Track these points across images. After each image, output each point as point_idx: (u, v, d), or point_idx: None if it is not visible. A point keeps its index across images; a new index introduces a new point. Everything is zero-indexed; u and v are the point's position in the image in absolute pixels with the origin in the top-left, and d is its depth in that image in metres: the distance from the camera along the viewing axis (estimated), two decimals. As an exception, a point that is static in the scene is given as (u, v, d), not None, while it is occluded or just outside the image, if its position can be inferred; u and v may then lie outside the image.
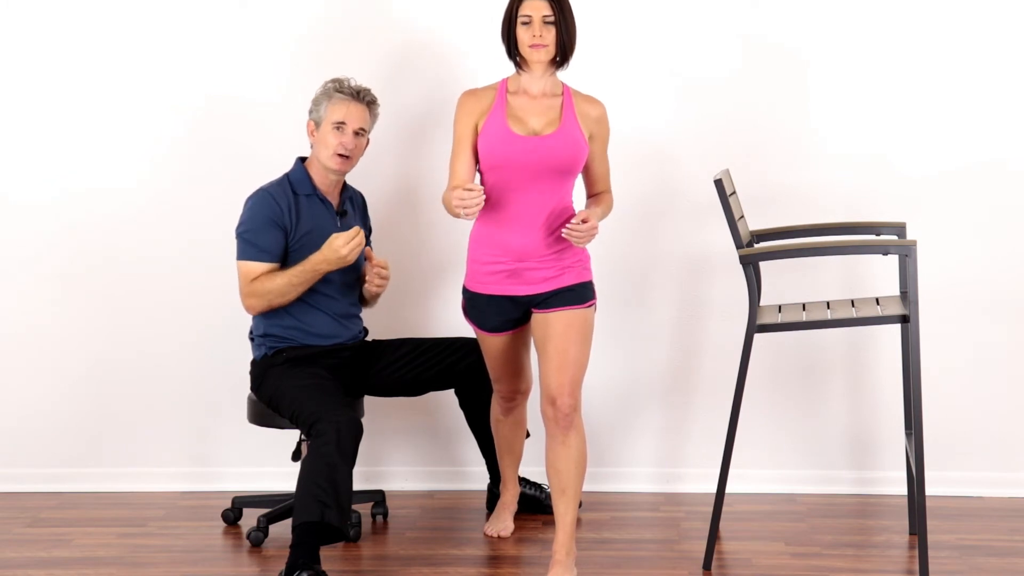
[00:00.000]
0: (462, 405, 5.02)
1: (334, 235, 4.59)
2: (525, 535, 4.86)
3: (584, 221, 4.32)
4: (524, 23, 4.37)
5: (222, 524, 5.00)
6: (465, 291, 4.54)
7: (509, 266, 4.43)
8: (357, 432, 4.45)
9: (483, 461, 5.11)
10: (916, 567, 4.52)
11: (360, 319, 4.93)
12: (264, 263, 4.67)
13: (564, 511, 4.43)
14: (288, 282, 4.64)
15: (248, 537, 4.80)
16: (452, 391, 5.07)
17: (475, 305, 4.52)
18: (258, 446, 5.31)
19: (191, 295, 5.34)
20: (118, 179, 5.33)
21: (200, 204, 5.30)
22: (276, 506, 4.89)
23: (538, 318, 4.46)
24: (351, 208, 4.87)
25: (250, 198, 4.74)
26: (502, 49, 4.48)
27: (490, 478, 5.08)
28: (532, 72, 4.44)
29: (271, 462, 5.32)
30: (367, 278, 4.87)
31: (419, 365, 4.91)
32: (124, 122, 5.32)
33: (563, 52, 4.41)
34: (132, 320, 5.38)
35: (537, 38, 4.36)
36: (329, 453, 4.38)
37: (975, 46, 5.15)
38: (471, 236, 4.51)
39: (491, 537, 4.81)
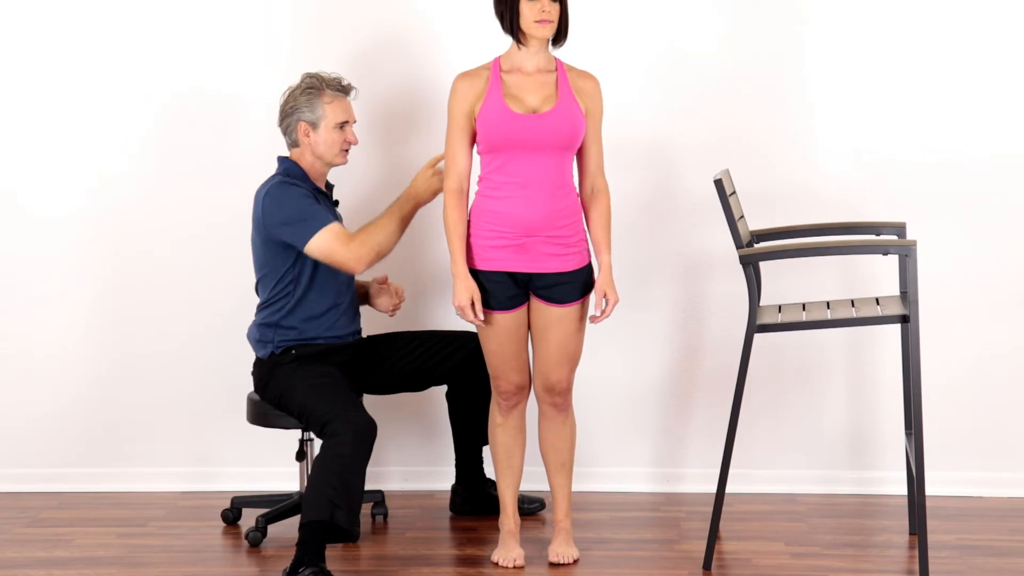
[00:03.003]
0: (449, 396, 5.00)
1: (421, 173, 4.67)
2: (525, 535, 4.85)
3: (605, 299, 4.44)
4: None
5: (222, 524, 4.99)
6: (471, 271, 4.44)
7: (516, 240, 4.40)
8: (373, 433, 4.46)
9: (475, 461, 5.09)
10: (916, 567, 4.51)
11: (359, 314, 4.93)
12: (334, 223, 4.61)
13: (564, 483, 4.62)
14: (392, 223, 4.63)
15: (247, 537, 4.79)
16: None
17: (479, 284, 4.43)
18: (258, 446, 5.31)
19: (191, 295, 5.34)
20: (111, 179, 5.33)
21: (195, 203, 5.29)
22: (275, 506, 4.89)
23: (540, 307, 4.47)
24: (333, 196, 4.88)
25: (271, 191, 4.64)
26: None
27: (456, 478, 5.07)
28: (529, 48, 4.40)
29: (271, 462, 5.31)
30: (380, 303, 4.90)
31: (418, 357, 4.90)
32: (125, 116, 5.32)
33: (565, 28, 4.42)
34: (132, 320, 5.37)
35: (545, 14, 4.35)
36: (345, 454, 4.38)
37: (975, 46, 5.14)
38: (472, 215, 4.44)
39: (503, 567, 4.59)
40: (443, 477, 5.30)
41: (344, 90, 4.73)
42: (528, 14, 4.35)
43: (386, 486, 5.36)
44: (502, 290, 4.43)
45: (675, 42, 5.21)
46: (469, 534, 4.90)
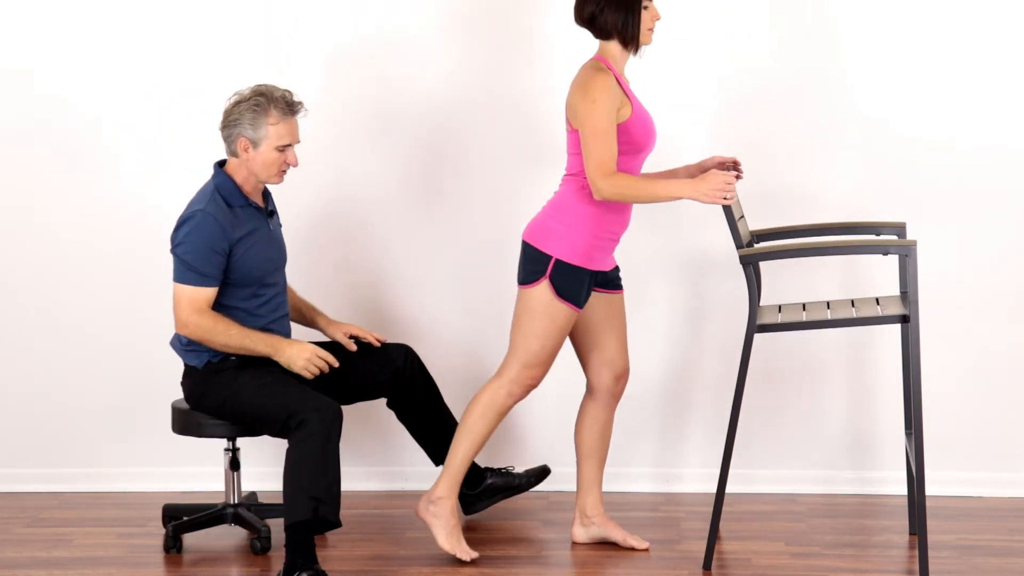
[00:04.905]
0: (402, 417, 4.92)
1: (311, 346, 4.56)
2: (525, 535, 4.86)
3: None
4: (645, 7, 4.42)
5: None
6: (572, 268, 4.45)
7: (617, 239, 4.56)
8: (340, 416, 4.43)
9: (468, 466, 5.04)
10: (916, 567, 4.52)
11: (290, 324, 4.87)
12: (209, 288, 4.55)
13: (601, 476, 4.75)
14: (242, 343, 4.54)
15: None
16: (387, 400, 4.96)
17: (578, 280, 4.47)
18: (258, 446, 5.30)
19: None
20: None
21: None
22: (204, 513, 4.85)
23: (609, 297, 4.63)
24: (272, 205, 4.79)
25: (190, 220, 4.55)
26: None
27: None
28: (630, 55, 4.49)
29: (271, 462, 5.31)
30: (330, 333, 4.84)
31: (348, 371, 4.79)
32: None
33: None
34: (132, 320, 5.38)
35: (655, 20, 4.46)
36: (315, 444, 4.36)
37: (976, 45, 5.14)
38: (588, 213, 4.43)
39: (465, 561, 4.62)
40: (443, 477, 5.30)
41: (292, 109, 4.59)
42: (645, 21, 4.43)
43: (388, 486, 5.36)
44: (590, 293, 4.55)
45: (675, 42, 5.21)
46: (469, 534, 4.90)
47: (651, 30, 4.46)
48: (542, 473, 5.06)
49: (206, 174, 4.89)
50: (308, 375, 4.58)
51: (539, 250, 4.46)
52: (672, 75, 5.23)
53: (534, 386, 4.61)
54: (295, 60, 5.27)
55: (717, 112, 5.23)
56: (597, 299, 4.62)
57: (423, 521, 4.67)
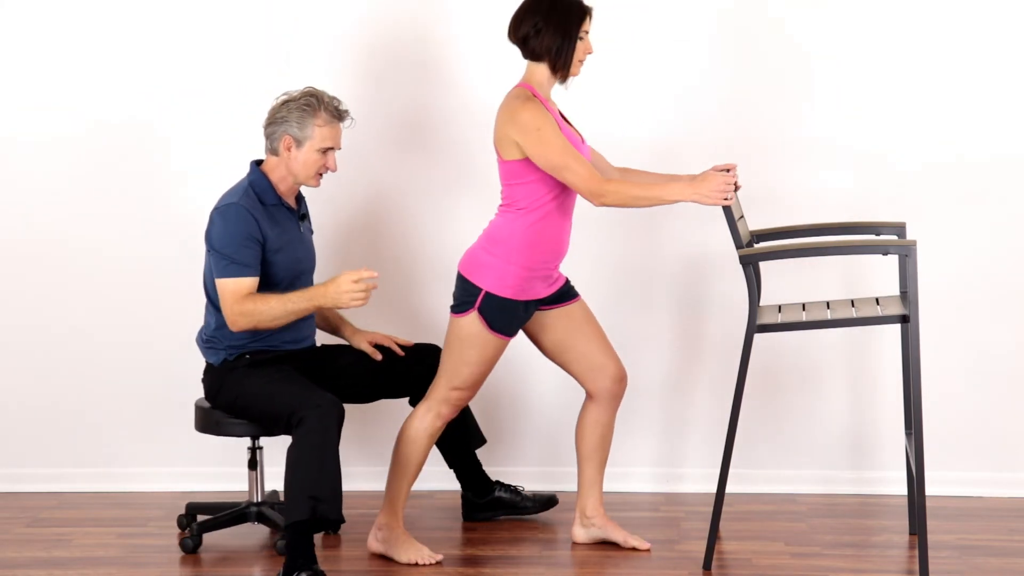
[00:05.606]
0: None
1: (345, 273, 4.46)
2: (525, 535, 4.86)
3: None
4: (580, 38, 4.39)
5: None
6: (502, 300, 4.45)
7: (553, 269, 4.53)
8: (340, 413, 4.41)
9: (475, 465, 5.05)
10: (916, 567, 4.52)
11: (314, 325, 4.86)
12: (250, 278, 4.54)
13: (602, 477, 4.74)
14: (285, 309, 4.50)
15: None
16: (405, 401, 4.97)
17: (510, 312, 4.47)
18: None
19: (190, 294, 5.33)
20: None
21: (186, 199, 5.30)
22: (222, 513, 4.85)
23: (559, 312, 4.59)
24: (305, 208, 4.80)
25: (223, 212, 4.56)
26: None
27: (463, 487, 5.03)
28: (557, 83, 4.45)
29: (273, 462, 5.30)
30: (355, 342, 4.82)
31: (374, 369, 4.81)
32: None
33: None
34: (132, 320, 5.38)
35: (588, 52, 4.42)
36: (315, 442, 4.35)
37: (974, 45, 5.15)
38: (521, 245, 4.43)
39: (424, 565, 4.59)
40: (443, 477, 5.29)
41: (339, 116, 4.63)
42: (578, 51, 4.40)
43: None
44: (527, 315, 4.53)
45: (675, 42, 5.22)
46: (469, 534, 4.90)
47: (581, 62, 4.41)
48: (549, 502, 5.07)
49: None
50: (361, 303, 4.46)
51: (470, 282, 4.46)
52: (671, 76, 5.23)
53: (463, 405, 4.62)
54: (295, 60, 5.27)
55: (716, 112, 5.23)
56: (553, 316, 4.60)
57: (378, 554, 4.65)
